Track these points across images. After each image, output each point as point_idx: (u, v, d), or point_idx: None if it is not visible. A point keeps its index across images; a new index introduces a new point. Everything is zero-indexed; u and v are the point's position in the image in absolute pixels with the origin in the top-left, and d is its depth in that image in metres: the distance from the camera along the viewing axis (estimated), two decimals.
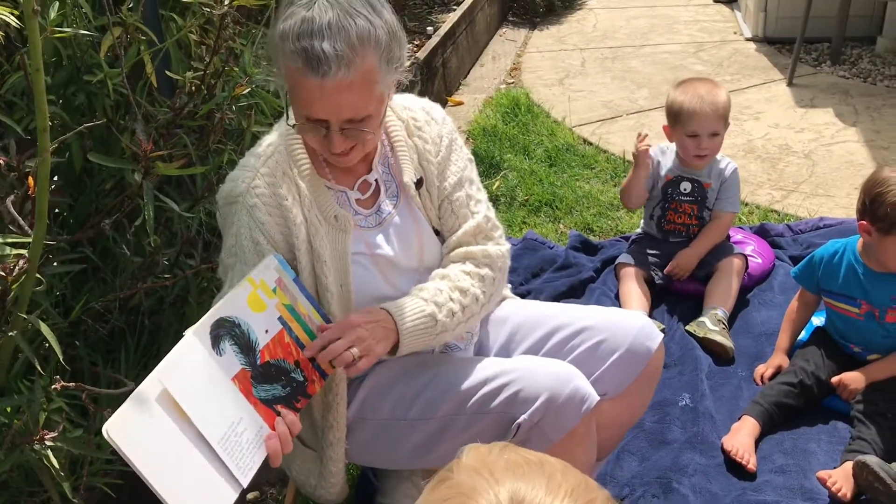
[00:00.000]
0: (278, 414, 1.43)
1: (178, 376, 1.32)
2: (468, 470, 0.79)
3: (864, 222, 2.20)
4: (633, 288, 2.70)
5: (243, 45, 2.13)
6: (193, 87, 1.99)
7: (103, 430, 1.21)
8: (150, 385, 1.29)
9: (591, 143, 3.92)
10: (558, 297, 2.76)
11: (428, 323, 1.57)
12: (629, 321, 1.73)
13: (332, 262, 1.59)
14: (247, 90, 2.07)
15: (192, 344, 1.37)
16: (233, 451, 1.34)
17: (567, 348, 1.73)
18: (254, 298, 1.47)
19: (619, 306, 2.69)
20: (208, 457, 1.31)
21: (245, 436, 1.37)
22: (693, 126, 2.64)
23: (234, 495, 1.32)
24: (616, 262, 2.83)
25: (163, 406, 1.29)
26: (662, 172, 2.76)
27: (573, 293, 2.82)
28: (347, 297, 1.61)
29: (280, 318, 1.49)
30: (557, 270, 2.92)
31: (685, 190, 2.75)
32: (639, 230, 2.94)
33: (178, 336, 1.39)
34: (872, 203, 2.17)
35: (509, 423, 1.55)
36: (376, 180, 1.68)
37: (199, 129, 2.04)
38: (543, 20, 5.72)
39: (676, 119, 2.69)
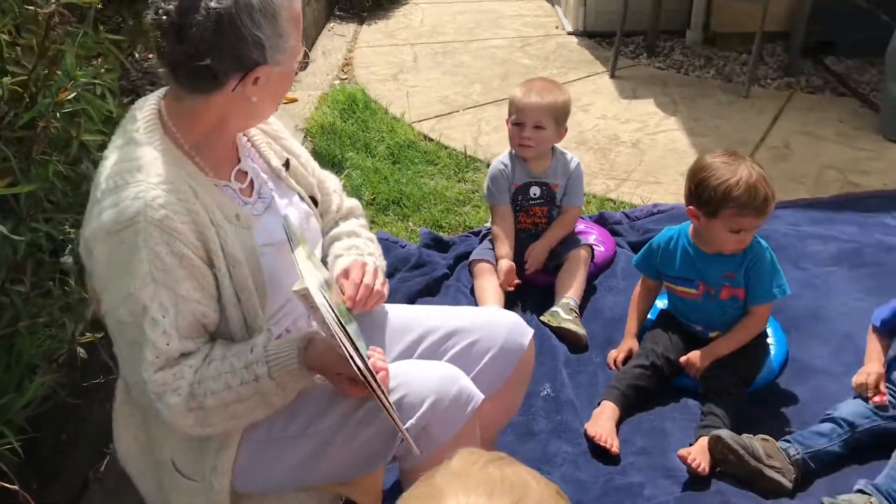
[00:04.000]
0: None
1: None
2: (450, 474, 0.81)
3: (692, 207, 2.33)
4: (488, 283, 2.72)
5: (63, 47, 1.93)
6: (9, 94, 1.79)
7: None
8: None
9: (431, 140, 3.92)
10: (414, 297, 2.74)
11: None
12: (500, 319, 1.73)
13: (248, 262, 1.51)
14: (72, 95, 1.89)
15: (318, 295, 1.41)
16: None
17: (440, 351, 1.71)
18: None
19: (475, 302, 2.71)
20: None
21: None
22: (520, 115, 2.72)
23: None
24: (470, 259, 2.85)
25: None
26: (512, 179, 2.82)
27: (429, 292, 2.81)
28: (263, 292, 1.55)
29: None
30: (411, 269, 2.89)
31: (535, 195, 2.82)
32: (487, 224, 2.97)
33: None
34: (698, 188, 2.30)
35: (396, 431, 1.51)
36: (248, 171, 1.64)
37: (19, 141, 1.83)
38: (371, 15, 5.67)
39: (510, 110, 2.78)
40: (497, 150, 3.74)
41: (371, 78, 4.63)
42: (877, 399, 2.15)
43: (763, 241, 2.38)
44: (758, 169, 2.27)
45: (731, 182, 2.22)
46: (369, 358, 1.49)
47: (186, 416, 1.47)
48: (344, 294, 1.59)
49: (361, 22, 5.56)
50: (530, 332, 1.75)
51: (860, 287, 2.76)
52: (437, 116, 4.16)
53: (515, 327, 1.72)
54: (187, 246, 1.42)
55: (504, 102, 4.29)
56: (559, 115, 2.75)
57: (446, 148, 3.84)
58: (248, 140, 1.68)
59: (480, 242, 2.91)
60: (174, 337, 1.43)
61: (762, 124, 3.98)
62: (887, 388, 2.18)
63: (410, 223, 3.28)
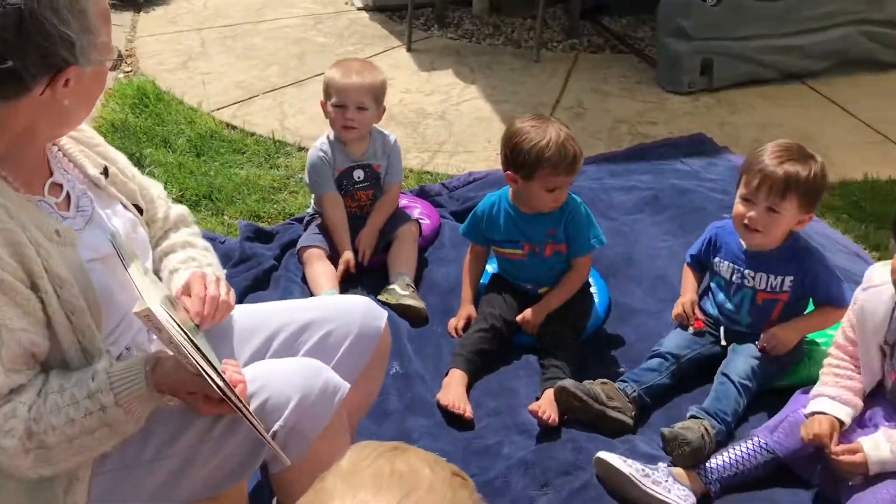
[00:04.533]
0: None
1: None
2: (338, 474, 0.77)
3: (510, 172, 2.43)
4: (320, 269, 2.68)
5: None
6: None
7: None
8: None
9: (235, 127, 3.77)
10: (245, 293, 2.65)
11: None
12: (353, 305, 1.72)
13: (76, 281, 1.38)
14: None
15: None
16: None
17: (295, 347, 1.67)
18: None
19: (309, 291, 2.67)
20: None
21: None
22: (341, 97, 2.69)
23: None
24: (298, 247, 2.79)
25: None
26: (335, 165, 2.78)
27: (259, 286, 2.72)
28: (97, 311, 1.43)
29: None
30: (236, 265, 2.78)
31: (359, 178, 2.80)
32: (310, 210, 2.92)
33: None
34: (513, 154, 2.39)
35: (261, 439, 1.46)
36: (62, 184, 1.51)
37: None
38: (148, 1, 5.33)
39: (327, 92, 2.73)
40: (306, 132, 3.67)
41: (159, 68, 4.37)
42: (694, 325, 2.35)
43: (577, 197, 2.52)
44: (565, 129, 2.40)
45: (542, 144, 2.33)
46: (224, 372, 1.43)
47: (25, 458, 1.34)
48: (189, 310, 1.51)
49: (138, 9, 5.20)
50: (384, 314, 1.75)
51: (664, 230, 2.99)
52: (236, 103, 4.01)
53: (369, 311, 1.71)
54: (4, 269, 1.29)
55: (306, 83, 4.22)
56: (379, 95, 2.74)
57: (252, 135, 3.71)
58: (59, 150, 1.55)
59: (306, 229, 2.85)
60: (0, 372, 1.30)
61: (555, 86, 4.19)
62: (702, 317, 2.39)
63: (226, 217, 3.15)
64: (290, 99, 4.03)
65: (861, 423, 1.99)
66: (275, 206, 3.21)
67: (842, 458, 1.88)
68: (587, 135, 3.67)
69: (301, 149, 3.55)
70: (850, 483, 1.91)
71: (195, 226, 1.83)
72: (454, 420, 2.25)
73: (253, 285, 2.70)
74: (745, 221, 2.21)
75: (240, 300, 2.54)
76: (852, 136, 3.64)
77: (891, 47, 4.20)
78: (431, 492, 0.75)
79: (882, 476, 1.85)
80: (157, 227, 1.74)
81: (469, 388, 2.35)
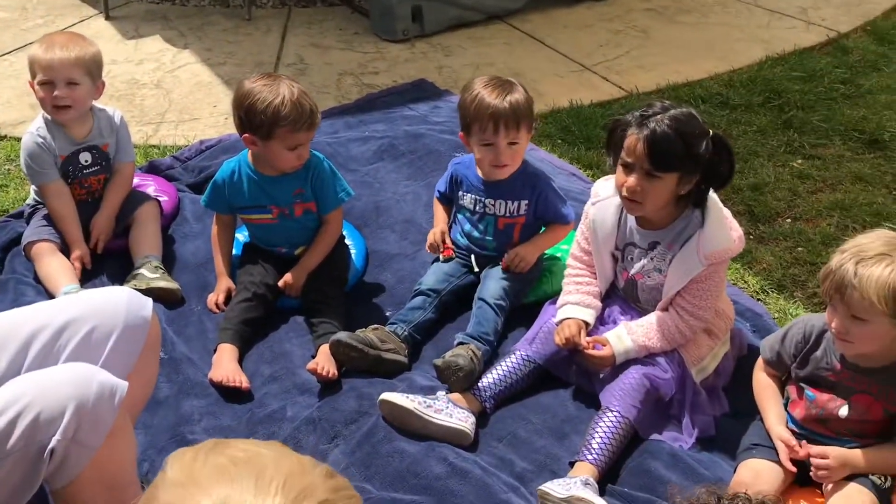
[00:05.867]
0: None
1: None
2: (173, 485, 0.73)
3: (247, 135, 2.39)
4: (54, 263, 2.48)
5: None
6: None
7: None
8: None
9: None
10: None
11: None
12: (113, 298, 1.61)
13: None
14: None
15: None
16: None
17: (55, 351, 1.54)
18: None
19: (45, 289, 2.45)
20: None
21: None
22: (47, 73, 2.49)
23: None
24: (24, 243, 2.54)
25: None
26: (57, 152, 2.54)
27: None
28: None
29: None
30: None
31: (87, 162, 2.60)
32: (30, 201, 2.67)
33: None
34: (247, 115, 2.35)
35: (40, 453, 1.35)
36: None
37: None
38: None
39: (33, 70, 2.52)
40: (2, 118, 3.30)
41: None
42: (445, 253, 2.49)
43: (319, 154, 2.53)
44: (297, 85, 2.39)
45: (276, 103, 2.31)
46: None
47: None
48: None
49: None
50: (149, 302, 1.66)
51: (405, 175, 3.09)
52: None
53: (133, 302, 1.61)
54: None
55: None
56: (92, 68, 2.53)
57: None
58: None
59: (28, 222, 2.60)
60: None
61: (273, 44, 4.12)
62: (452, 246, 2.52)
63: None
64: None
65: (602, 321, 2.25)
66: None
67: (591, 352, 2.12)
68: (315, 90, 3.67)
69: (0, 137, 3.20)
70: (602, 375, 2.16)
71: None
72: (232, 394, 2.21)
73: None
74: (494, 162, 2.35)
75: None
76: (555, 68, 3.98)
77: None
78: (281, 464, 0.75)
79: (626, 364, 2.11)
80: None
81: (241, 359, 2.31)
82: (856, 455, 1.82)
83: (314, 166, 2.48)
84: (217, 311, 2.49)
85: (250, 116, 2.33)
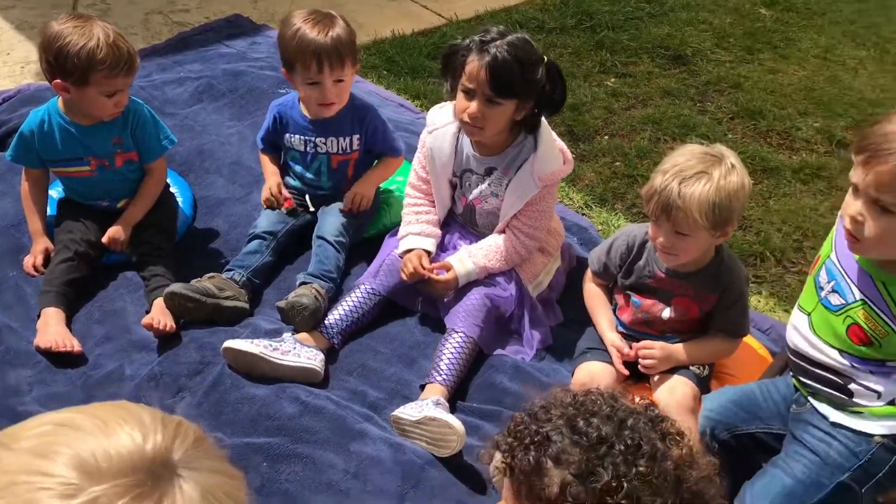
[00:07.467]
0: None
1: None
2: (25, 453, 0.68)
3: (59, 81, 2.19)
4: None
5: None
6: None
7: None
8: None
9: None
10: None
11: None
12: None
13: None
14: None
15: None
16: None
17: None
18: None
19: None
20: None
21: None
22: None
23: None
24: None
25: None
26: None
27: None
28: None
29: None
30: None
31: None
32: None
33: None
34: (58, 60, 2.16)
35: None
36: None
37: None
38: None
39: None
40: None
41: None
42: (286, 205, 2.43)
43: (137, 99, 2.38)
44: (111, 27, 2.23)
45: (91, 46, 2.14)
46: None
47: None
48: None
49: None
50: None
51: (227, 116, 2.98)
52: None
53: None
54: None
55: None
56: None
57: None
58: None
59: None
60: None
61: None
62: (289, 194, 2.47)
63: None
64: None
65: (443, 247, 2.29)
66: None
67: (436, 277, 2.16)
68: (121, 31, 3.42)
69: None
70: (446, 300, 2.21)
71: None
72: (63, 360, 2.09)
73: None
74: (321, 101, 2.29)
75: None
76: None
77: None
78: (98, 409, 0.72)
79: (468, 286, 2.17)
80: None
81: (69, 322, 2.19)
82: (677, 348, 1.98)
83: (133, 113, 2.33)
84: (36, 274, 2.32)
85: (61, 61, 2.15)
